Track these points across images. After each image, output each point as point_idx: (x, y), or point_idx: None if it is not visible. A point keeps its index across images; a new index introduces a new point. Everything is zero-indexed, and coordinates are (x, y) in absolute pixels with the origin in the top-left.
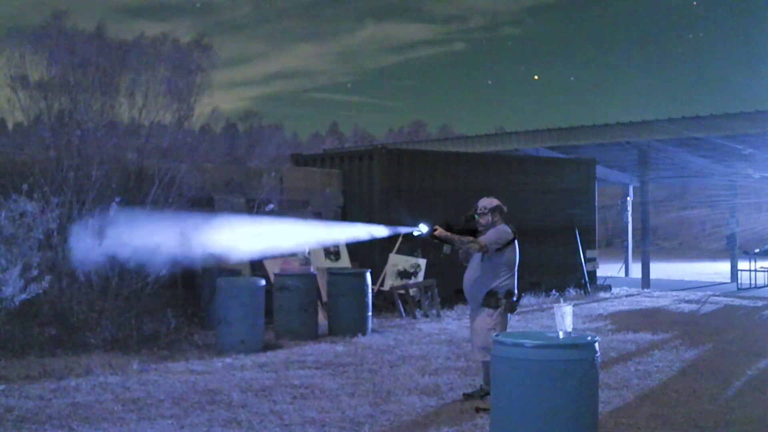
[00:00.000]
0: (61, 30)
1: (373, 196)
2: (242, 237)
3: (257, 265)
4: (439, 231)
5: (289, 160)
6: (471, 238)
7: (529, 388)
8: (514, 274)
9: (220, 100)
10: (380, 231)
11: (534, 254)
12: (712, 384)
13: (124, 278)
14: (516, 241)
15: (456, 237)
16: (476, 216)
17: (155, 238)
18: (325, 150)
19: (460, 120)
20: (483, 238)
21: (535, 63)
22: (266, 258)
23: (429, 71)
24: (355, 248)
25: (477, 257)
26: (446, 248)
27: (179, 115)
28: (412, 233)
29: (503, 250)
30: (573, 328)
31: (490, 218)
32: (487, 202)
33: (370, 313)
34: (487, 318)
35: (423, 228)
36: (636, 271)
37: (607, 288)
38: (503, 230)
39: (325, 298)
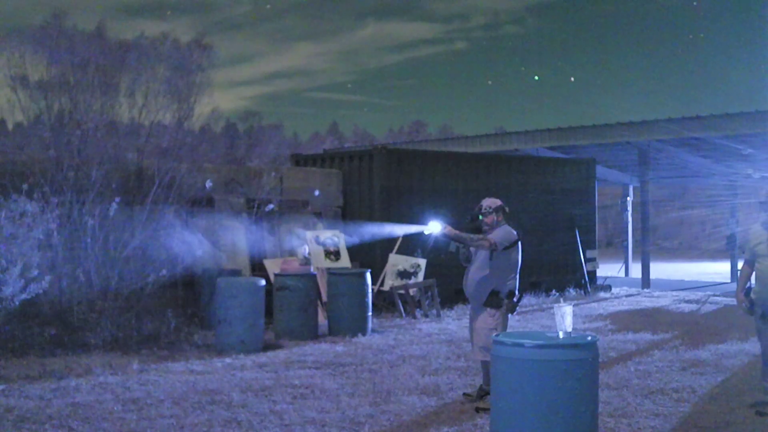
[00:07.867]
0: (61, 30)
1: (373, 196)
2: None
3: (257, 265)
4: (449, 229)
5: (289, 160)
6: (481, 236)
7: (529, 388)
8: (516, 275)
9: (220, 100)
10: (391, 230)
11: (534, 254)
12: (712, 384)
13: (124, 278)
14: (519, 243)
15: (466, 235)
16: (481, 216)
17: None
18: (325, 150)
19: (460, 120)
20: (492, 236)
21: (535, 63)
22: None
23: (429, 71)
24: (355, 248)
25: (480, 257)
26: (452, 246)
27: (179, 115)
28: (422, 232)
29: (509, 250)
30: (573, 328)
31: (495, 217)
32: (491, 202)
33: (370, 313)
34: (488, 318)
35: (434, 227)
36: (636, 271)
37: (607, 288)
38: (509, 230)
39: (325, 298)
